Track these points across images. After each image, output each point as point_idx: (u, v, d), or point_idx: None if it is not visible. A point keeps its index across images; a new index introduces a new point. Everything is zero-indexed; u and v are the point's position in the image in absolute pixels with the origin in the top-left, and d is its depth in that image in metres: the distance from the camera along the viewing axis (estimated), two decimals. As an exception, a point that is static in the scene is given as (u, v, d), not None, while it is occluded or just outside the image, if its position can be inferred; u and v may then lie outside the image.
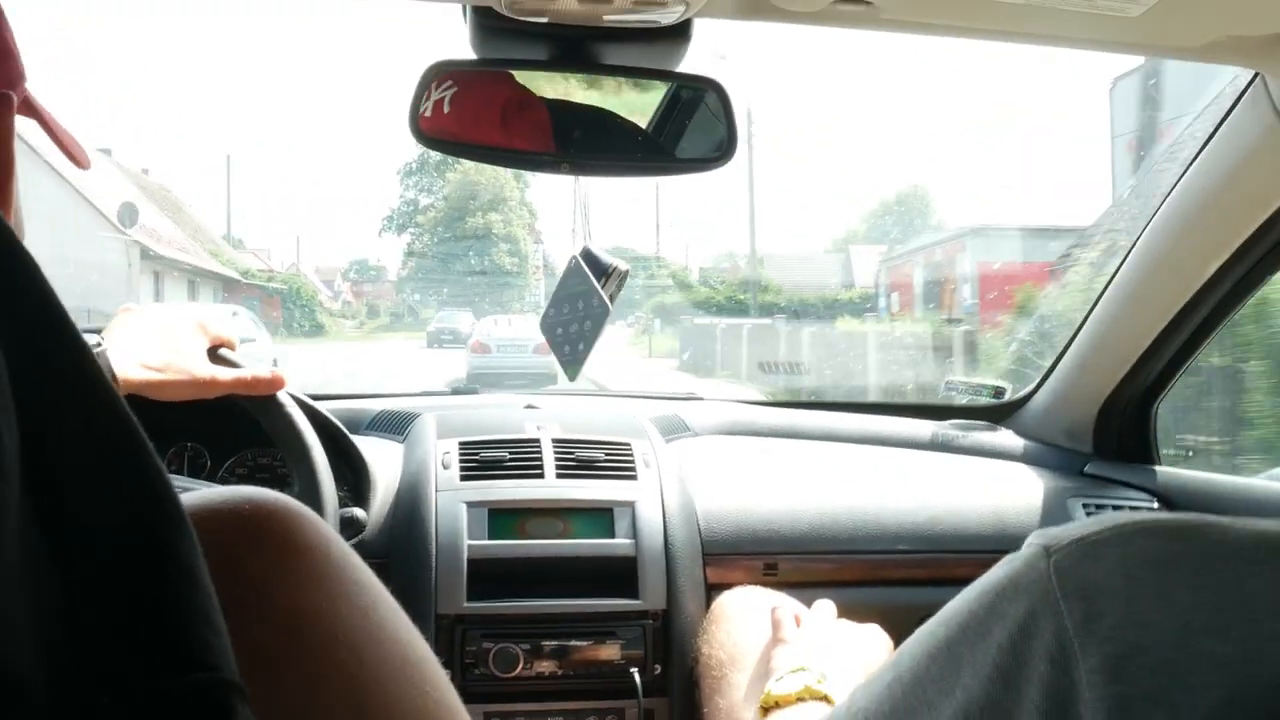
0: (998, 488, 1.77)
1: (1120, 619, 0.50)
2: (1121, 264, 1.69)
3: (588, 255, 1.33)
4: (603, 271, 1.31)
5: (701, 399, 2.10)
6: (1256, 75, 1.28)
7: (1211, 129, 1.39)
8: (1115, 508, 1.77)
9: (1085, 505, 1.78)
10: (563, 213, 1.29)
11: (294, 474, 1.35)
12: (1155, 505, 1.78)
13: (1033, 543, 0.56)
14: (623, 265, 1.33)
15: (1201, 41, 1.13)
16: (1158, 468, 1.88)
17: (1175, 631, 0.48)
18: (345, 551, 0.71)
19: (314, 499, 1.31)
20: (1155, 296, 1.64)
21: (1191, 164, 1.45)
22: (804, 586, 1.51)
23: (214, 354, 1.34)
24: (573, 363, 1.33)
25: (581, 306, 1.31)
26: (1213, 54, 1.17)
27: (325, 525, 0.70)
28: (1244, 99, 1.32)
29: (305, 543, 0.66)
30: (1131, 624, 0.49)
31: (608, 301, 1.29)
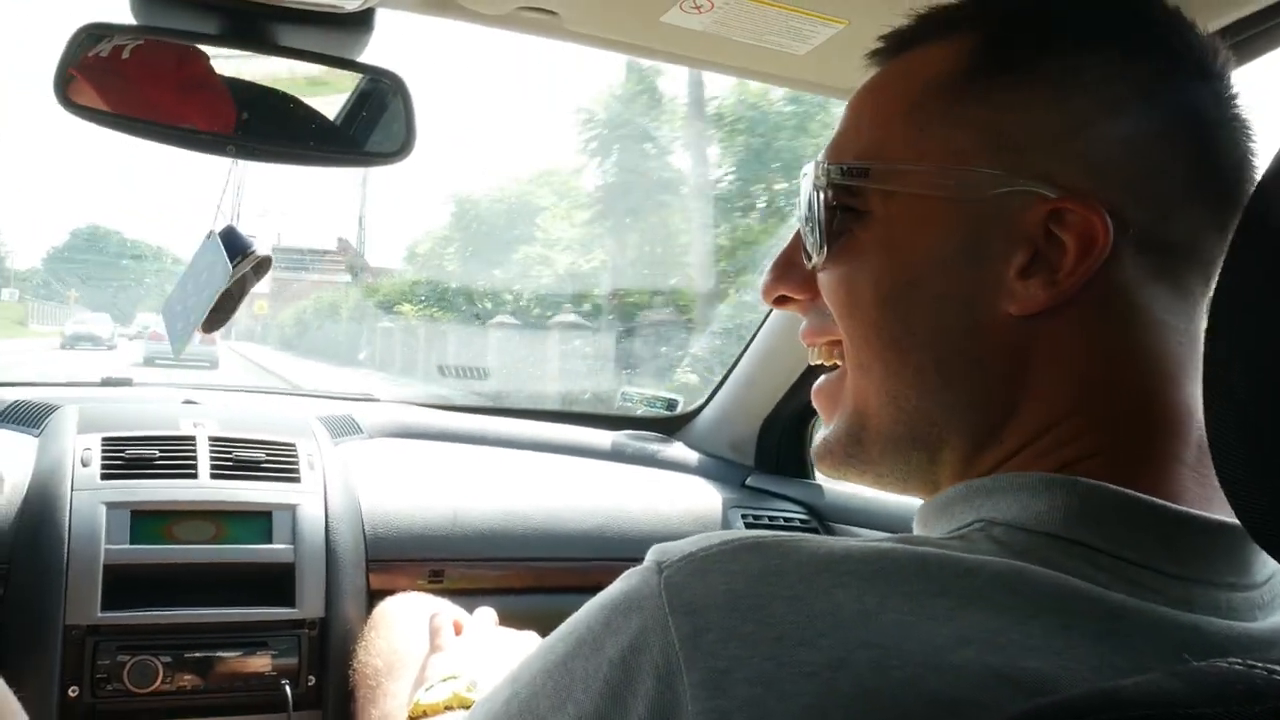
0: (664, 498, 1.83)
1: (723, 634, 0.51)
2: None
3: (228, 233, 1.23)
4: (239, 250, 1.22)
5: (377, 400, 2.05)
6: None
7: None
8: (770, 519, 1.87)
9: (744, 516, 1.87)
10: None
11: None
12: (806, 517, 1.90)
13: (649, 558, 0.57)
14: (263, 251, 1.24)
15: (859, 84, 1.22)
16: (811, 481, 2.01)
17: (771, 643, 0.50)
18: None
19: None
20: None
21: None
22: (470, 594, 1.50)
23: None
24: (179, 338, 1.22)
25: (205, 280, 1.21)
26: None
27: None
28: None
29: None
30: (733, 638, 0.50)
31: (230, 270, 1.19)
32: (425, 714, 1.01)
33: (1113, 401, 0.60)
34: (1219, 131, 0.62)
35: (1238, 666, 0.45)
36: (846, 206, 0.66)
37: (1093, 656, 0.49)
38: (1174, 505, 0.56)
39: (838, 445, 0.70)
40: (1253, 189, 0.49)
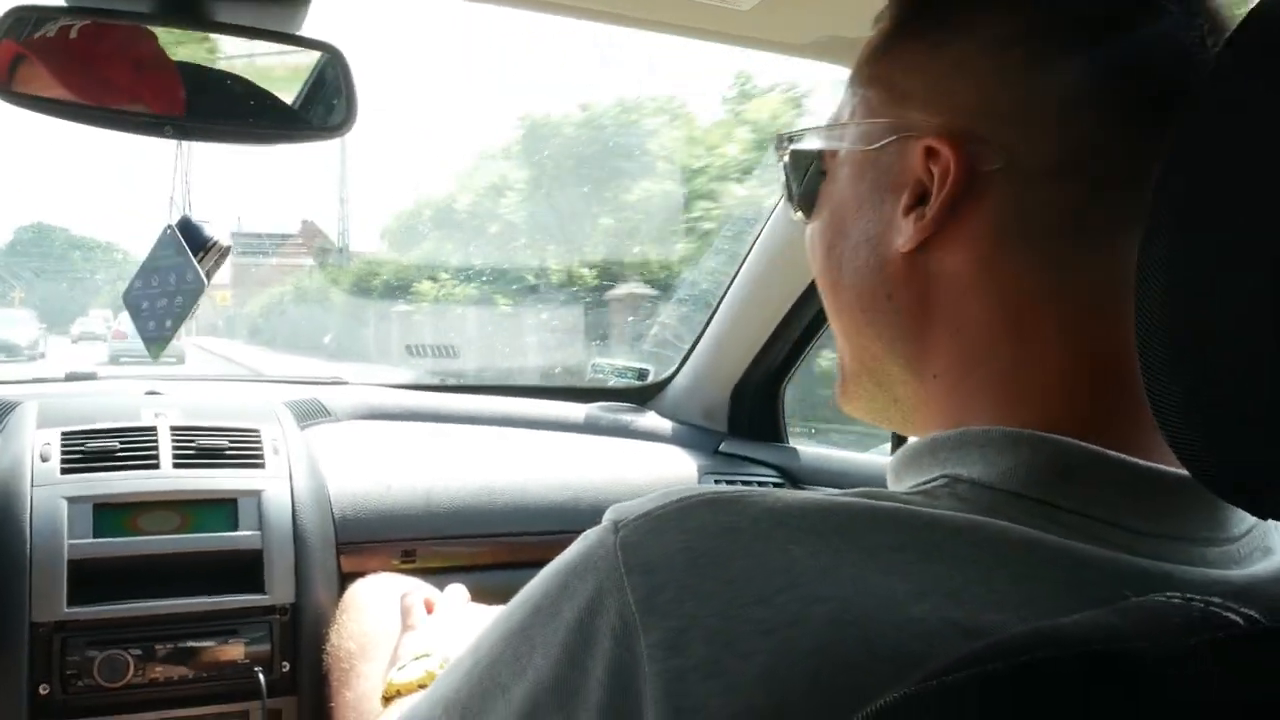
0: (637, 468, 1.82)
1: (679, 593, 0.50)
2: (748, 253, 1.78)
3: (185, 226, 1.23)
4: (200, 245, 1.22)
5: (346, 383, 2.03)
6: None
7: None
8: (744, 484, 1.87)
9: (718, 482, 1.86)
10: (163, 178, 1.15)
11: None
12: (780, 480, 1.90)
13: (606, 518, 0.56)
14: (224, 240, 1.24)
15: (807, 40, 1.21)
16: (784, 445, 2.01)
17: (728, 602, 0.49)
18: None
19: None
20: (777, 285, 1.75)
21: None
22: (443, 572, 1.49)
23: None
24: (156, 340, 1.23)
25: (174, 281, 1.21)
26: (819, 52, 1.25)
27: None
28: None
29: None
30: (689, 597, 0.50)
31: (203, 276, 1.20)
32: (399, 693, 1.01)
33: (1030, 332, 0.60)
34: (1144, 51, 0.59)
35: (1176, 600, 0.45)
36: (819, 171, 0.71)
37: (1057, 608, 0.48)
38: (1142, 461, 0.55)
39: (835, 386, 0.74)
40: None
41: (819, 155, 0.70)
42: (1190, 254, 0.46)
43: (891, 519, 0.52)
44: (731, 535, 0.52)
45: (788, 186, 0.73)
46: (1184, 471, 0.52)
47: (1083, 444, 0.55)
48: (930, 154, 0.60)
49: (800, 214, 0.73)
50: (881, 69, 0.65)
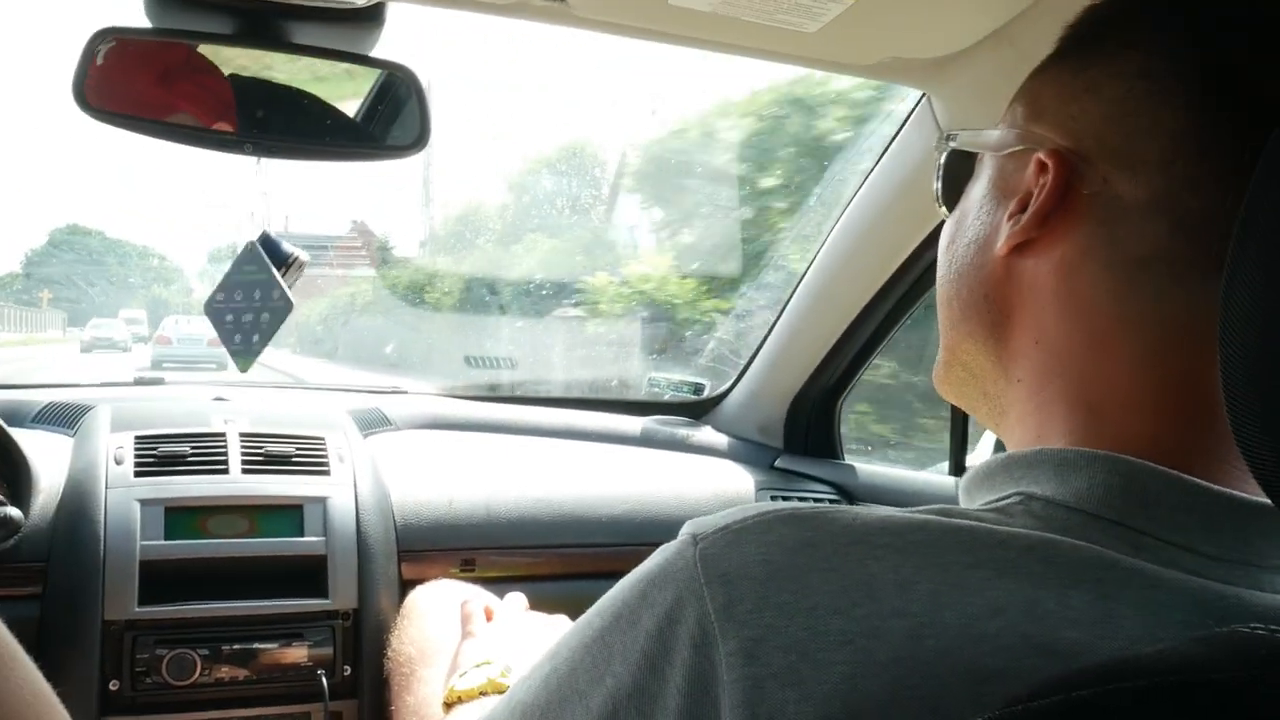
0: (693, 482, 1.83)
1: (757, 603, 0.51)
2: (808, 269, 1.79)
3: (266, 241, 1.27)
4: (282, 260, 1.26)
5: (405, 392, 2.07)
6: (924, 95, 1.38)
7: (884, 144, 1.49)
8: (800, 500, 1.87)
9: (774, 498, 1.87)
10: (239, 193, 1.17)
11: None
12: (836, 498, 1.90)
13: (684, 531, 0.57)
14: (303, 255, 1.28)
15: (871, 61, 1.22)
16: (841, 462, 2.01)
17: (806, 613, 0.50)
18: None
19: None
20: (836, 301, 1.75)
21: (868, 177, 1.55)
22: (502, 582, 1.51)
23: None
24: (245, 354, 1.26)
25: (259, 297, 1.25)
26: (882, 72, 1.26)
27: None
28: (912, 117, 1.42)
29: None
30: (767, 607, 0.51)
31: (290, 296, 1.24)
32: (460, 700, 1.03)
33: (1108, 353, 0.60)
34: (1258, 94, 0.57)
35: (1260, 631, 0.45)
36: (964, 171, 0.75)
37: (1135, 626, 0.49)
38: (1217, 486, 0.55)
39: (935, 367, 0.77)
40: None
41: (966, 156, 0.74)
42: (1275, 287, 0.46)
43: (969, 536, 0.53)
44: (810, 550, 0.53)
45: (938, 181, 0.78)
46: (1262, 499, 0.52)
47: (1158, 466, 0.55)
48: (1041, 167, 0.63)
49: (944, 208, 0.77)
50: (1033, 85, 0.68)
